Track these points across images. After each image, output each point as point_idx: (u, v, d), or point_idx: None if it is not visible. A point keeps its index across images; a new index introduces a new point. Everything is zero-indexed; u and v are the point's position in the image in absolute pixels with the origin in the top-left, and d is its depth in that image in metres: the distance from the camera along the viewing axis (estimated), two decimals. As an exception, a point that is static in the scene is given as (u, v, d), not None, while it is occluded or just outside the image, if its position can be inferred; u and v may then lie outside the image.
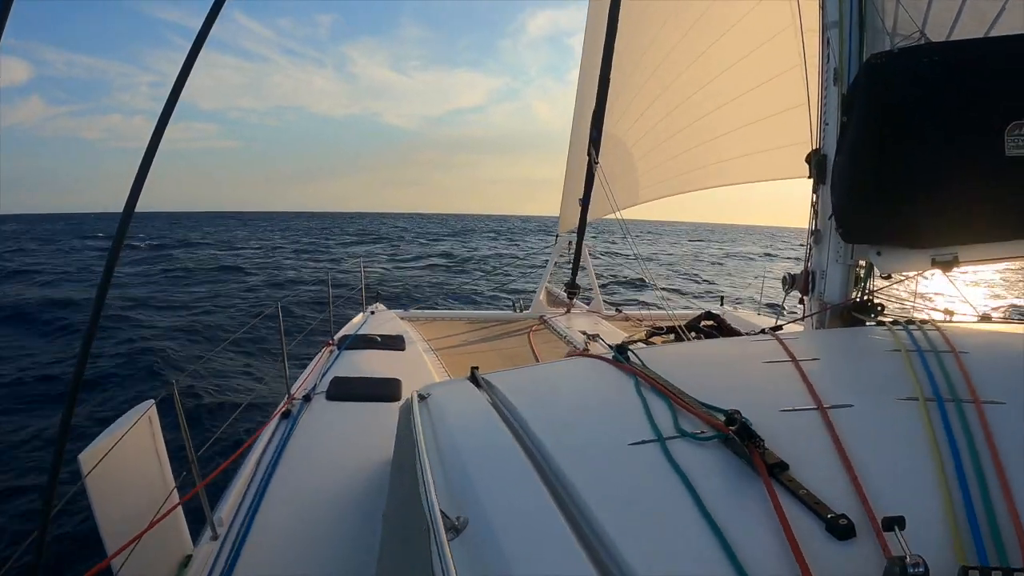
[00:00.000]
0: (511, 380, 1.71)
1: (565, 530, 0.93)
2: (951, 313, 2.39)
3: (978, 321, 2.15)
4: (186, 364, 8.66)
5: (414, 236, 56.82)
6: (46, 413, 6.82)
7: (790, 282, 2.61)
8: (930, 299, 3.81)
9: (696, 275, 25.57)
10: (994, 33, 2.15)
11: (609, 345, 5.01)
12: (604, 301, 7.07)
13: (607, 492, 1.02)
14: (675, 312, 5.99)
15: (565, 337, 5.44)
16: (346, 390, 3.62)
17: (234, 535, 2.28)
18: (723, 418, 1.12)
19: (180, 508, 2.28)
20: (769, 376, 1.50)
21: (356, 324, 5.56)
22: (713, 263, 34.05)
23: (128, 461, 2.12)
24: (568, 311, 6.62)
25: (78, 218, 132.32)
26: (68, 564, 3.83)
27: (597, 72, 5.07)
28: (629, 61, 5.31)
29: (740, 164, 5.25)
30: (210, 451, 2.52)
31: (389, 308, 6.61)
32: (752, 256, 40.58)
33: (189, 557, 2.25)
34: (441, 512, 0.99)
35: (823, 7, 2.45)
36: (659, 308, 5.32)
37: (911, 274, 2.37)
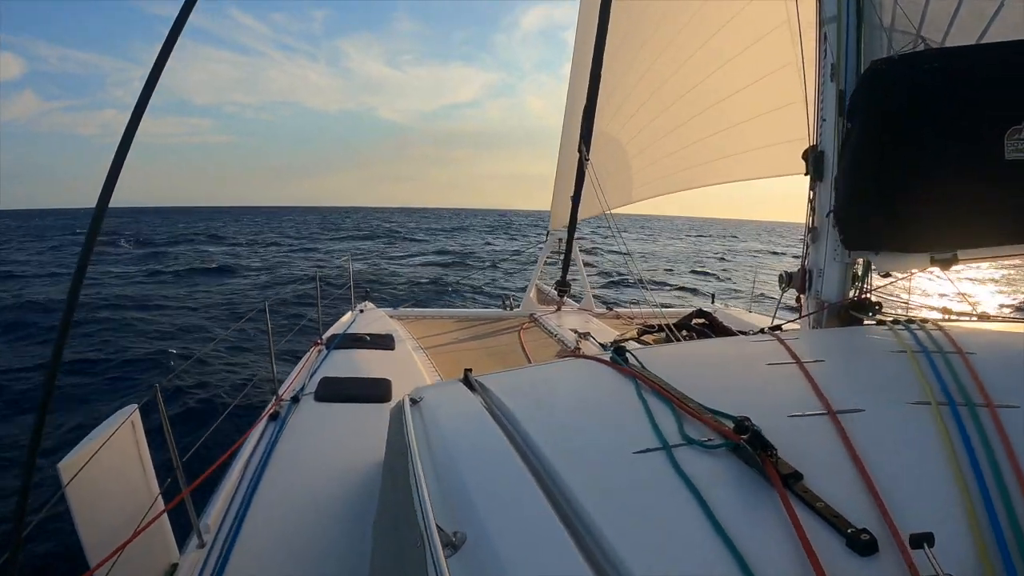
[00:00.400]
0: (506, 383, 1.67)
1: (570, 547, 0.89)
2: (949, 312, 2.38)
3: (977, 319, 2.15)
4: (171, 366, 8.49)
5: (410, 231, 56.29)
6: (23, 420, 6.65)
7: (787, 280, 2.59)
8: (927, 295, 3.82)
9: (716, 273, 25.27)
10: (992, 29, 2.14)
11: (601, 344, 4.98)
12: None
13: (613, 505, 0.98)
14: (667, 310, 5.98)
15: (556, 335, 5.41)
16: (335, 391, 3.56)
17: (221, 542, 2.22)
18: (731, 425, 1.08)
19: (165, 516, 2.22)
20: (773, 379, 1.46)
21: (345, 323, 5.50)
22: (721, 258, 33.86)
23: (110, 469, 2.05)
24: (558, 309, 6.60)
25: (71, 213, 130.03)
26: (48, 580, 3.72)
27: (588, 69, 5.04)
28: (622, 60, 5.28)
29: (735, 162, 5.24)
30: (196, 456, 2.46)
31: (379, 306, 6.55)
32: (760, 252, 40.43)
33: (175, 566, 2.19)
34: (437, 527, 0.95)
35: (820, 3, 2.43)
36: (650, 306, 5.28)
37: (909, 273, 2.36)
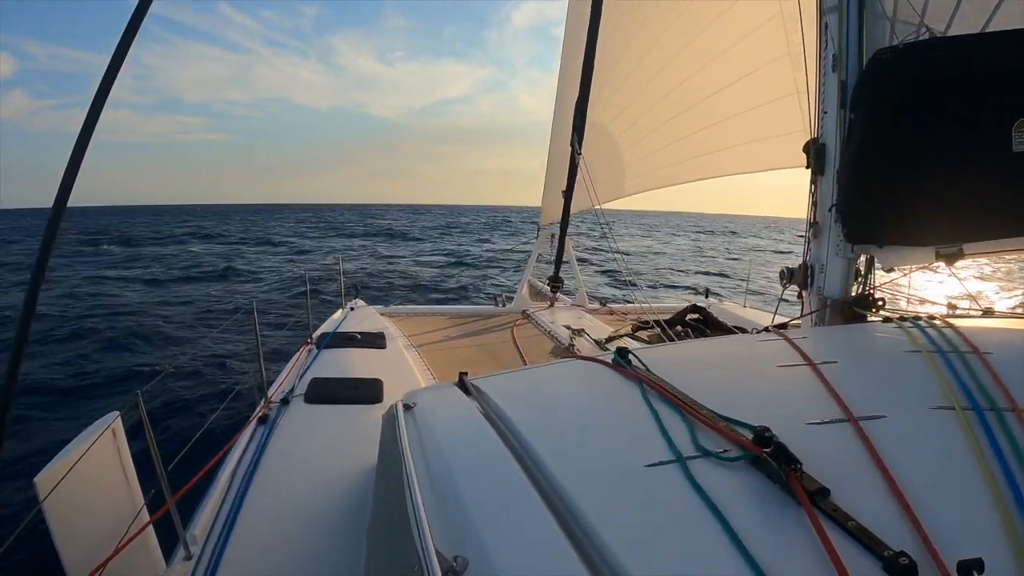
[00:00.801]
0: (503, 386, 1.60)
1: (583, 573, 0.82)
2: (954, 307, 2.34)
3: (983, 315, 2.10)
4: (155, 370, 8.26)
5: (404, 227, 55.83)
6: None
7: (788, 276, 2.54)
8: (926, 289, 3.78)
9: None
10: (997, 17, 2.10)
11: (595, 340, 4.91)
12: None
13: (626, 524, 0.91)
14: (660, 305, 5.94)
15: (549, 332, 5.35)
16: (326, 392, 3.48)
17: (209, 553, 2.14)
18: (749, 434, 1.02)
19: (150, 527, 2.13)
20: (786, 382, 1.40)
21: (335, 321, 5.40)
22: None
23: (91, 480, 1.96)
24: (551, 305, 6.54)
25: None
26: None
27: (578, 63, 4.98)
28: (612, 55, 5.22)
29: (729, 155, 5.19)
30: (181, 463, 2.37)
31: (369, 303, 6.45)
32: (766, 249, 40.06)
33: None
34: (437, 552, 0.88)
35: None
36: (642, 301, 5.23)
37: (913, 268, 2.32)
